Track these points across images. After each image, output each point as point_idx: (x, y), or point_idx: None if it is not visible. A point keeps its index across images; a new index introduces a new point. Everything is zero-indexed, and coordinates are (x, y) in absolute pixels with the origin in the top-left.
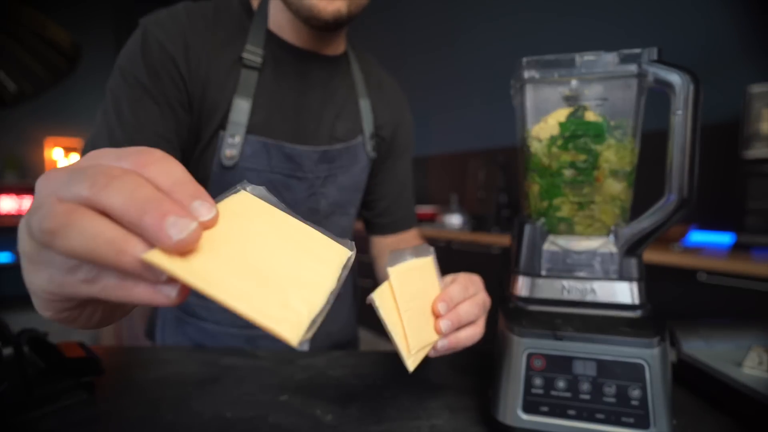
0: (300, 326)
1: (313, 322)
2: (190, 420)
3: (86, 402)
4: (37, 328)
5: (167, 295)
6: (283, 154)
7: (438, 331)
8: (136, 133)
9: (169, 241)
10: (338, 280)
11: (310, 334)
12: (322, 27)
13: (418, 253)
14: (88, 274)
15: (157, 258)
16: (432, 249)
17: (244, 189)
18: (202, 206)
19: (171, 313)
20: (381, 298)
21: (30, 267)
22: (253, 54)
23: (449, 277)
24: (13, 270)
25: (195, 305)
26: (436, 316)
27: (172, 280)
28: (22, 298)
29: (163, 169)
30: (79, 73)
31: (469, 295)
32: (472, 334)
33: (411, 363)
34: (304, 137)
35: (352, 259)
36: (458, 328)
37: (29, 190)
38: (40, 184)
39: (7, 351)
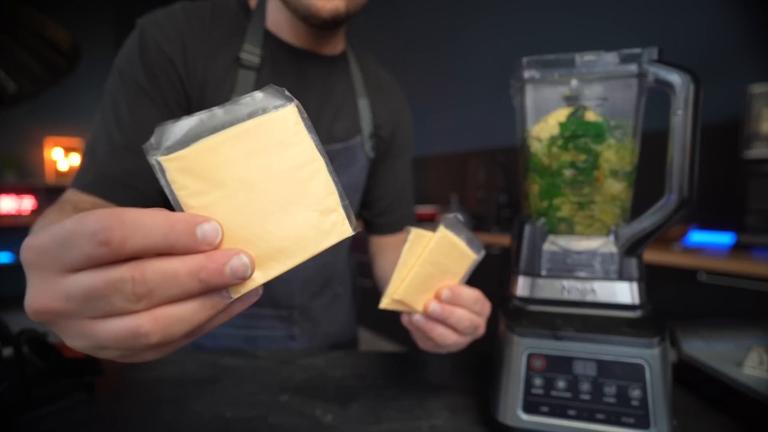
0: (344, 221)
1: (344, 206)
2: (190, 420)
3: (86, 402)
4: (37, 328)
5: (256, 294)
6: None
7: (425, 308)
8: (134, 135)
9: (244, 280)
10: (315, 146)
11: (353, 220)
12: (321, 25)
13: (471, 242)
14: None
15: (242, 289)
16: (483, 252)
17: (159, 158)
18: (204, 232)
19: None
20: (416, 239)
21: (100, 353)
22: (250, 54)
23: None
24: (13, 270)
25: None
26: (436, 296)
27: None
28: (22, 298)
29: (141, 233)
30: (78, 73)
31: (474, 310)
32: (447, 337)
33: (385, 303)
34: None
35: (302, 109)
36: (443, 322)
37: (29, 190)
38: (42, 315)
39: (7, 351)
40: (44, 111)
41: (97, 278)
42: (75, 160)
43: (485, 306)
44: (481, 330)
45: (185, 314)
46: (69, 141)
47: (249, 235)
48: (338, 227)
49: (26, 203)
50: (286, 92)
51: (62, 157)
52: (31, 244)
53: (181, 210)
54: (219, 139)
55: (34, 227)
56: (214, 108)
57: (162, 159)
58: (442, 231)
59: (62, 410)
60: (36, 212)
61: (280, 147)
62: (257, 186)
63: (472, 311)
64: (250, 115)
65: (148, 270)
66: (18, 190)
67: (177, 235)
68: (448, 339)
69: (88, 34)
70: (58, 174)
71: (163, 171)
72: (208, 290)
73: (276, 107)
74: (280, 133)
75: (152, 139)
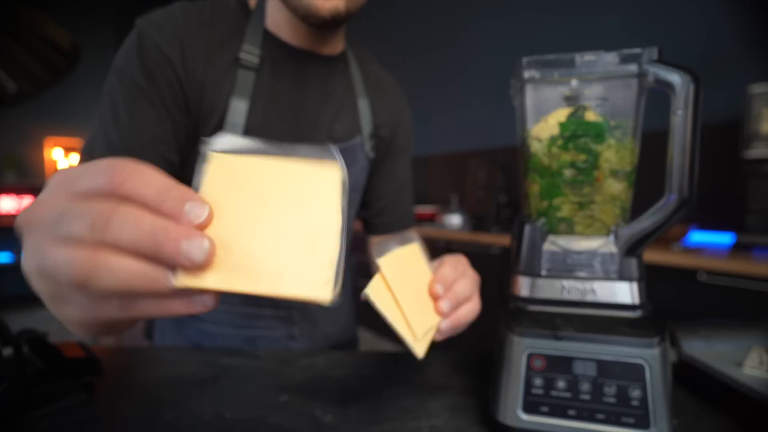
0: (327, 285)
1: (337, 273)
2: (190, 420)
3: (86, 402)
4: (37, 328)
5: (204, 304)
6: None
7: (440, 313)
8: (133, 135)
9: (191, 264)
10: (341, 213)
11: (338, 288)
12: (321, 25)
13: (402, 241)
14: (124, 301)
15: (188, 280)
16: (416, 235)
17: (212, 151)
18: (194, 208)
19: None
20: (375, 291)
21: (57, 305)
22: (250, 54)
23: (436, 261)
24: (13, 270)
25: None
26: (435, 298)
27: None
28: (22, 298)
29: (141, 181)
30: (78, 73)
31: (460, 273)
32: (471, 309)
33: (419, 349)
34: (302, 138)
35: (346, 181)
36: (457, 307)
37: (29, 190)
38: (26, 224)
39: (7, 351)
40: (44, 111)
41: (80, 200)
42: (75, 160)
43: (460, 261)
44: (476, 276)
45: (122, 270)
46: (69, 141)
47: (234, 240)
48: (317, 288)
49: (26, 203)
50: (340, 157)
51: (62, 157)
52: (64, 172)
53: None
54: (267, 162)
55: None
56: (279, 142)
57: (216, 154)
58: (382, 262)
59: (62, 410)
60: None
61: (313, 198)
62: (271, 211)
63: (462, 276)
64: (305, 158)
65: (121, 209)
66: (18, 190)
67: (167, 198)
68: (472, 309)
69: (88, 34)
70: None
71: (206, 161)
72: (156, 256)
73: (324, 162)
74: (320, 186)
75: (218, 138)
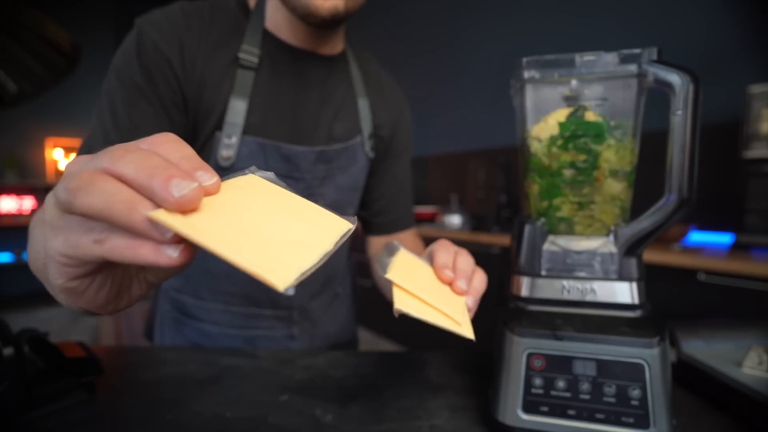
0: (288, 274)
1: (302, 274)
2: (190, 420)
3: (86, 402)
4: (37, 328)
5: (170, 256)
6: (279, 155)
7: (460, 292)
8: (131, 135)
9: (172, 198)
10: (335, 244)
11: (296, 282)
12: (320, 24)
13: (391, 251)
14: (100, 234)
15: (162, 216)
16: (397, 242)
17: (253, 173)
18: (205, 174)
19: (169, 314)
20: (402, 302)
21: (50, 233)
22: (249, 54)
23: (425, 253)
24: (13, 270)
25: (193, 306)
26: (448, 282)
27: (175, 240)
28: (22, 298)
29: (174, 147)
30: (79, 73)
31: (454, 253)
32: (481, 278)
33: (467, 331)
34: (302, 137)
35: (352, 230)
36: (470, 282)
37: (29, 190)
38: (71, 163)
39: (7, 351)
40: (45, 111)
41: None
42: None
43: (446, 244)
44: (466, 251)
45: (109, 190)
46: (70, 141)
47: (223, 211)
48: (277, 273)
49: (27, 203)
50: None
51: (63, 158)
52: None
53: None
54: (293, 195)
55: (31, 225)
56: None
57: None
58: (391, 275)
59: (62, 410)
60: (36, 212)
61: (317, 225)
62: (272, 210)
63: (457, 255)
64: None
65: (142, 150)
66: (19, 191)
67: (188, 162)
68: (482, 278)
69: (88, 34)
70: (59, 174)
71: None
72: (146, 187)
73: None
74: (329, 224)
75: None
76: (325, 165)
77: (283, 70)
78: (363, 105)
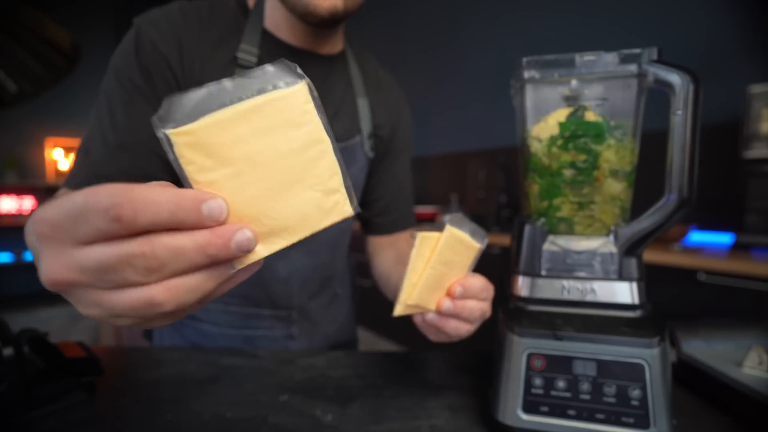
0: (346, 202)
1: (347, 186)
2: (190, 420)
3: (86, 402)
4: (37, 328)
5: (259, 265)
6: None
7: (438, 307)
8: (129, 135)
9: (248, 253)
10: (324, 127)
11: (355, 201)
12: (319, 24)
13: (474, 233)
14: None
15: (246, 260)
16: (487, 240)
17: (170, 131)
18: (209, 208)
19: None
20: (423, 242)
21: (115, 320)
22: (248, 53)
23: (471, 267)
24: (13, 270)
25: None
26: (448, 293)
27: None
28: (22, 298)
29: (149, 211)
30: (78, 73)
31: (482, 297)
32: (459, 330)
33: (399, 310)
34: None
35: (314, 90)
36: (455, 317)
37: (29, 190)
38: (56, 286)
39: (7, 351)
40: (45, 111)
41: (109, 252)
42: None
43: (490, 291)
44: (488, 313)
45: (195, 284)
46: (69, 141)
47: (254, 212)
48: (339, 207)
49: (27, 203)
50: (298, 69)
51: (63, 158)
52: (43, 216)
53: (189, 185)
54: (227, 115)
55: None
56: (223, 80)
57: (170, 132)
58: (450, 230)
59: (62, 410)
60: None
61: (289, 126)
62: (264, 165)
63: (479, 299)
64: (260, 91)
65: (157, 245)
66: (18, 190)
67: (184, 213)
68: (462, 330)
69: (88, 34)
70: (59, 174)
71: (171, 145)
72: (214, 263)
73: (287, 84)
74: (290, 111)
75: (161, 111)
76: None
77: None
78: (362, 105)
